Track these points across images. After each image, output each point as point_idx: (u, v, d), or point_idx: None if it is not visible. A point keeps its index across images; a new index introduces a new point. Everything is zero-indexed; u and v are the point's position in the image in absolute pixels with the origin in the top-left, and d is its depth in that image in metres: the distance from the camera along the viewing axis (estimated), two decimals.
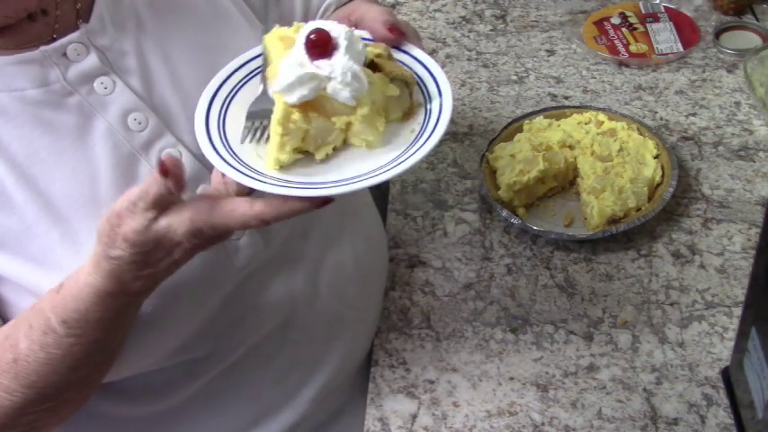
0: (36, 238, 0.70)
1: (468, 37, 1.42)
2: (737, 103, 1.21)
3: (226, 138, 0.66)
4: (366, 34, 0.72)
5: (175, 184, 0.59)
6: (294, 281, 0.85)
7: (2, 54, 0.71)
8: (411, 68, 0.70)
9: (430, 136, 0.64)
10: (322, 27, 0.64)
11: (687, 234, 1.04)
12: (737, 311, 0.93)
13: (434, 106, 0.67)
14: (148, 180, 0.59)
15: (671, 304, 0.96)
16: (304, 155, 0.65)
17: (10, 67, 0.71)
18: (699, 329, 0.93)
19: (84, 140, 0.72)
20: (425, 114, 0.68)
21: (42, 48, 0.71)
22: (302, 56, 0.63)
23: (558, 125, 1.14)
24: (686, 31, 1.33)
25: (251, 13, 0.86)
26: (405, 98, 0.67)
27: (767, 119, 1.16)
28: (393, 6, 1.51)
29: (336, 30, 0.64)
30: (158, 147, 0.75)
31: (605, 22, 1.38)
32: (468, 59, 1.37)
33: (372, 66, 0.67)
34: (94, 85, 0.73)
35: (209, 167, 0.73)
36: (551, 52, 1.36)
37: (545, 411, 0.88)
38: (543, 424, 0.87)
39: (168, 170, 0.58)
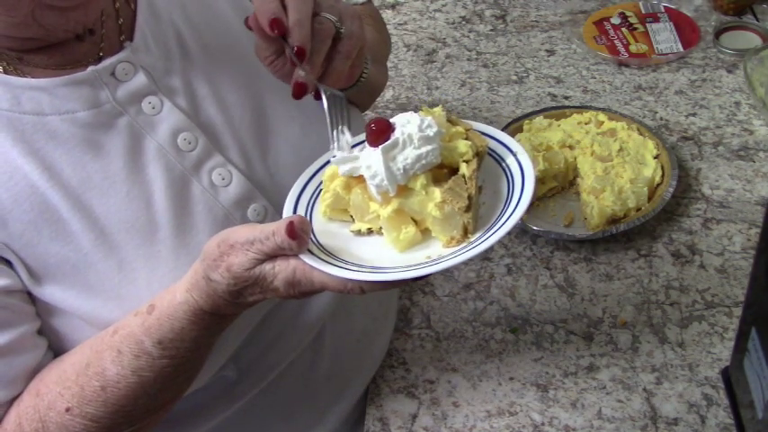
0: (92, 267, 0.69)
1: (468, 37, 1.42)
2: (737, 103, 1.20)
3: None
4: (484, 129, 0.70)
5: (298, 246, 0.60)
6: (328, 298, 0.85)
7: (51, 75, 0.69)
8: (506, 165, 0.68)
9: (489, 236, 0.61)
10: (396, 118, 0.64)
11: (687, 234, 1.04)
12: (737, 311, 0.93)
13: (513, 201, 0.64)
14: (272, 228, 0.60)
15: (671, 304, 0.96)
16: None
17: (61, 88, 0.68)
18: (699, 329, 0.93)
19: (137, 163, 0.71)
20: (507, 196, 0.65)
21: (92, 68, 0.70)
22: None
23: (558, 125, 1.14)
24: (686, 31, 1.33)
25: None
26: (453, 223, 0.63)
27: (767, 119, 1.16)
28: (393, 6, 1.51)
29: (410, 125, 0.63)
30: (208, 166, 0.74)
31: (605, 22, 1.38)
32: (468, 59, 1.37)
33: (448, 171, 0.65)
34: (142, 104, 0.72)
35: (259, 188, 0.75)
36: (551, 52, 1.36)
37: (545, 411, 0.88)
38: (543, 424, 0.87)
39: (296, 234, 0.59)
